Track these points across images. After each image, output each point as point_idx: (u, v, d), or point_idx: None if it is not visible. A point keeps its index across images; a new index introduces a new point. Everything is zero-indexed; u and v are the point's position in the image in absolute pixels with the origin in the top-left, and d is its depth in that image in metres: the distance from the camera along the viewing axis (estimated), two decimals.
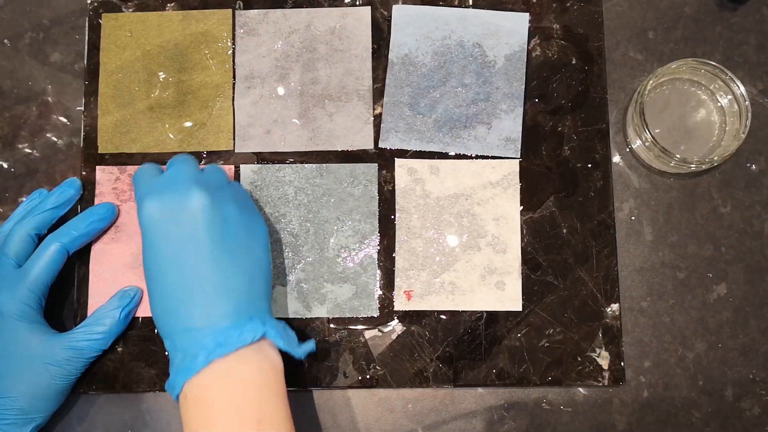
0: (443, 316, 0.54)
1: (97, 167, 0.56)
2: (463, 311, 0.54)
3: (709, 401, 0.53)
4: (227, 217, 0.45)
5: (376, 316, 0.54)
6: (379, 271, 0.54)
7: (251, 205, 0.49)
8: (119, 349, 0.53)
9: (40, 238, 0.51)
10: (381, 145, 0.56)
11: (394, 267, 0.54)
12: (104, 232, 0.54)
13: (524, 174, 0.55)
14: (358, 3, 0.58)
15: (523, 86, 0.56)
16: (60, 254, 0.50)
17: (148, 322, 0.54)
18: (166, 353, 0.45)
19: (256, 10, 0.58)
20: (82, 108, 0.57)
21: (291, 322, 0.54)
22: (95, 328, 0.50)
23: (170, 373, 0.44)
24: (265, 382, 0.43)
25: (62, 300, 0.54)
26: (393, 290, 0.54)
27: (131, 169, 0.56)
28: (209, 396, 0.42)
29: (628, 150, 0.57)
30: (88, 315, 0.53)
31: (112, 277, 0.54)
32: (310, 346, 0.47)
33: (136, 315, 0.53)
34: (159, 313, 0.45)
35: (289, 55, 0.57)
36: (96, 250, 0.54)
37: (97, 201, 0.55)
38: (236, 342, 0.42)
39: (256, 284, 0.46)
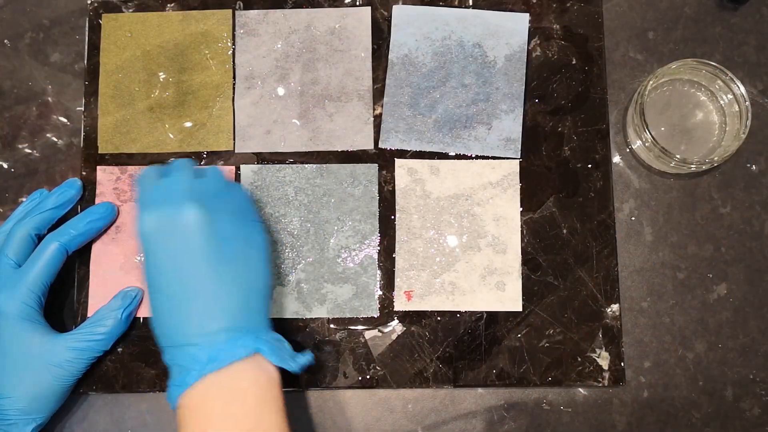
0: (443, 317, 0.54)
1: (98, 167, 0.56)
2: (463, 311, 0.54)
3: (709, 401, 0.53)
4: (223, 230, 0.45)
5: (376, 316, 0.54)
6: (379, 272, 0.54)
7: (250, 213, 0.48)
8: (119, 350, 0.53)
9: (40, 238, 0.51)
10: (381, 145, 0.56)
11: (394, 267, 0.54)
12: (104, 231, 0.54)
13: (524, 174, 0.55)
14: (358, 3, 0.58)
15: (523, 86, 0.56)
16: (59, 253, 0.50)
17: (149, 322, 0.54)
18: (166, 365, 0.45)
19: (256, 11, 0.58)
20: (82, 108, 0.57)
21: (291, 323, 0.54)
22: (97, 329, 0.50)
23: (168, 386, 0.44)
24: (260, 393, 0.43)
25: (62, 300, 0.54)
26: (393, 290, 0.54)
27: (132, 169, 0.56)
28: (205, 408, 0.42)
29: (628, 150, 0.57)
30: (89, 315, 0.53)
31: (113, 277, 0.54)
32: (306, 359, 0.46)
33: (137, 315, 0.53)
34: (157, 326, 0.45)
35: (289, 55, 0.57)
36: (96, 251, 0.54)
37: (97, 201, 0.55)
38: (229, 357, 0.43)
39: (253, 297, 0.46)
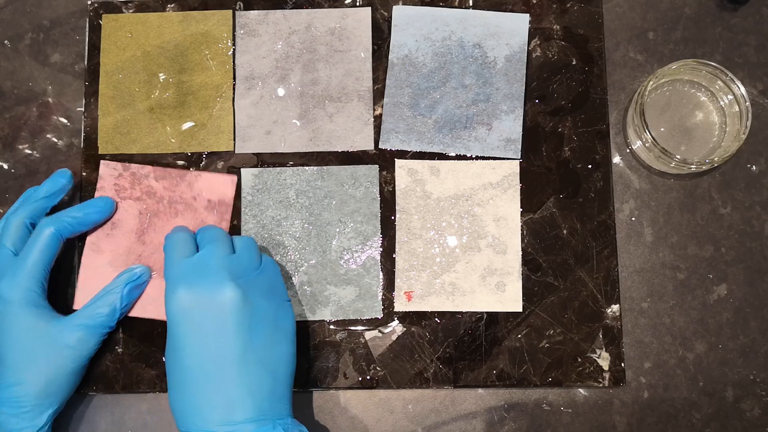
0: (443, 317, 0.54)
1: (101, 161, 0.55)
2: (463, 312, 0.54)
3: (710, 402, 0.53)
4: (256, 312, 0.44)
5: (380, 317, 0.54)
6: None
7: (280, 290, 0.48)
8: (119, 350, 0.53)
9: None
10: (381, 146, 0.56)
11: (394, 268, 0.54)
12: (100, 225, 0.54)
13: (524, 175, 0.55)
14: (358, 4, 0.58)
15: (524, 87, 0.56)
16: (55, 238, 0.50)
17: (149, 322, 0.54)
18: None
19: (256, 11, 0.58)
20: (83, 109, 0.57)
21: None
22: (101, 303, 0.50)
23: None
24: None
25: (64, 294, 0.54)
26: (393, 291, 0.54)
27: (134, 167, 0.55)
28: None
29: (628, 151, 0.57)
30: (75, 308, 0.53)
31: (104, 271, 0.53)
32: None
33: (137, 316, 0.53)
34: (178, 408, 0.44)
35: (290, 55, 0.57)
36: (90, 244, 0.54)
37: (97, 195, 0.55)
38: None
39: (280, 383, 0.45)
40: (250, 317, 0.44)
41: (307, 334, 0.54)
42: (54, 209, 0.53)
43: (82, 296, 0.53)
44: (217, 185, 0.55)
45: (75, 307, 0.53)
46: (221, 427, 0.42)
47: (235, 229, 0.55)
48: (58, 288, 0.54)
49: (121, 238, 0.54)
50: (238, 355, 0.43)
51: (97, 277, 0.54)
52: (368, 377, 0.53)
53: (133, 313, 0.53)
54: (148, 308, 0.53)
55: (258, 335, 0.44)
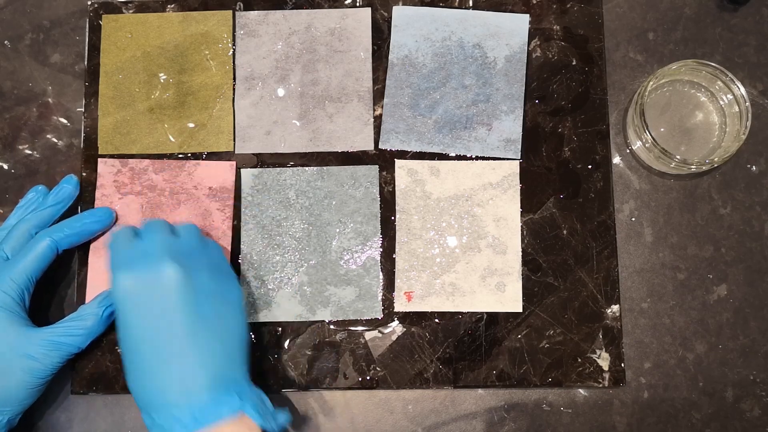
0: (443, 318, 0.54)
1: (99, 159, 0.55)
2: (463, 312, 0.54)
3: (710, 402, 0.53)
4: (201, 287, 0.45)
5: (380, 318, 0.54)
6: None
7: (225, 267, 0.49)
8: (119, 350, 0.53)
9: None
10: (381, 146, 0.56)
11: (394, 268, 0.54)
12: (100, 235, 0.54)
13: (524, 175, 0.55)
14: (358, 4, 0.58)
15: (524, 87, 0.56)
16: (49, 250, 0.50)
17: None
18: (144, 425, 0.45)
19: (256, 12, 0.58)
20: (83, 109, 0.57)
21: (291, 324, 0.54)
22: (76, 325, 0.49)
23: None
24: None
25: (60, 303, 0.54)
26: (393, 291, 0.54)
27: (132, 162, 0.56)
28: None
29: (628, 151, 0.57)
30: None
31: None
32: (285, 417, 0.46)
33: None
34: (135, 387, 0.45)
35: (290, 56, 0.57)
36: (95, 243, 0.54)
37: (98, 193, 0.55)
38: (213, 417, 0.43)
39: (232, 352, 0.46)
40: (194, 293, 0.45)
41: (307, 335, 0.54)
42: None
43: (93, 296, 0.53)
44: (217, 172, 0.55)
45: None
46: (178, 397, 0.43)
47: (235, 229, 0.55)
48: (57, 309, 0.54)
49: None
50: (187, 329, 0.44)
51: (104, 277, 0.54)
52: (368, 377, 0.53)
53: None
54: None
55: (205, 309, 0.45)
